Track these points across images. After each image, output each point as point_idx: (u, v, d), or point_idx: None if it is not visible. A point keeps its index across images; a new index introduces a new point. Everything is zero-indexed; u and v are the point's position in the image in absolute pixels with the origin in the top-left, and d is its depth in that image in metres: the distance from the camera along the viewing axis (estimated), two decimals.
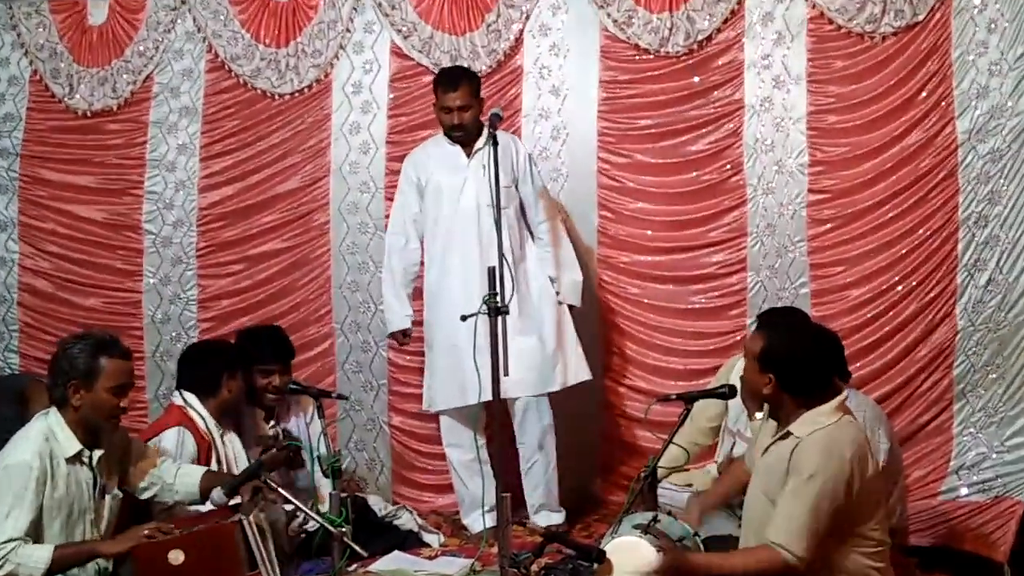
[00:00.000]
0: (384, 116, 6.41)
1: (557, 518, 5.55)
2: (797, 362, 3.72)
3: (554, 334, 5.51)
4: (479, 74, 6.13)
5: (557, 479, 5.55)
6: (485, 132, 5.47)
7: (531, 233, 5.63)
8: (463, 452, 5.57)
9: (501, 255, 4.83)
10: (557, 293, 5.56)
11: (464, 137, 5.54)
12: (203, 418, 4.88)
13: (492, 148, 5.00)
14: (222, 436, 4.91)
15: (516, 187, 5.57)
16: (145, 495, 4.46)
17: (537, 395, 5.46)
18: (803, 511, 3.60)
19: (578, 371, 5.57)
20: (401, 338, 5.73)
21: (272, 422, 5.33)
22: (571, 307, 5.60)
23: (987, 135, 5.67)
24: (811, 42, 5.91)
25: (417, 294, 5.77)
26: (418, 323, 5.74)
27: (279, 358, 5.33)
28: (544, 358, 5.46)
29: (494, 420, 5.20)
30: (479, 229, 5.44)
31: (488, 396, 4.66)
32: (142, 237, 6.66)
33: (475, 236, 5.44)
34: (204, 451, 4.78)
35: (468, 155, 5.56)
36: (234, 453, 4.91)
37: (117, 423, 4.25)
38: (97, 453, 4.19)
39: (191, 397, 4.92)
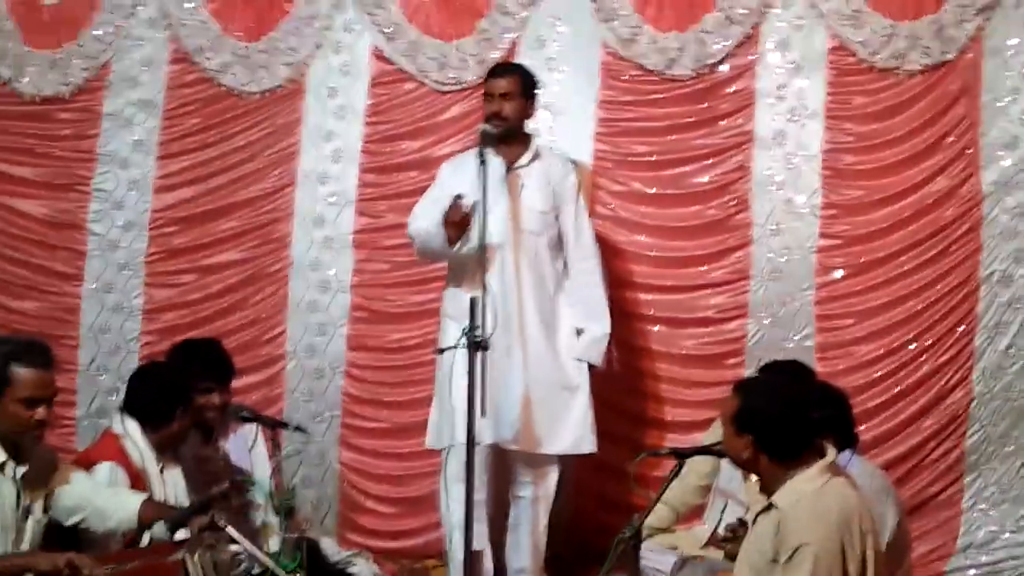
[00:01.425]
0: (360, 123, 6.31)
1: None
2: (775, 420, 3.71)
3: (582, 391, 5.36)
4: (467, 85, 6.12)
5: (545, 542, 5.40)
6: (532, 148, 5.39)
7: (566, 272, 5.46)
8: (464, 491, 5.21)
9: (484, 284, 4.84)
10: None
11: (503, 132, 5.28)
12: (140, 451, 4.64)
13: (481, 165, 4.99)
14: (162, 471, 4.69)
15: (557, 215, 5.38)
16: (71, 520, 4.25)
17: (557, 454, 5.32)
18: None
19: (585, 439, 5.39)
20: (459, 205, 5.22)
21: (214, 443, 5.16)
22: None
23: (1015, 188, 5.65)
24: (831, 75, 5.86)
25: (429, 314, 5.57)
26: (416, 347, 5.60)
27: (219, 375, 5.14)
28: (567, 413, 5.30)
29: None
30: (509, 255, 5.24)
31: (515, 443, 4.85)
32: (86, 238, 6.51)
33: (500, 263, 5.22)
34: (137, 490, 4.52)
35: (508, 170, 5.34)
36: (175, 491, 4.68)
37: (37, 438, 4.12)
38: (21, 469, 4.05)
39: (132, 425, 4.68)
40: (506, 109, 5.31)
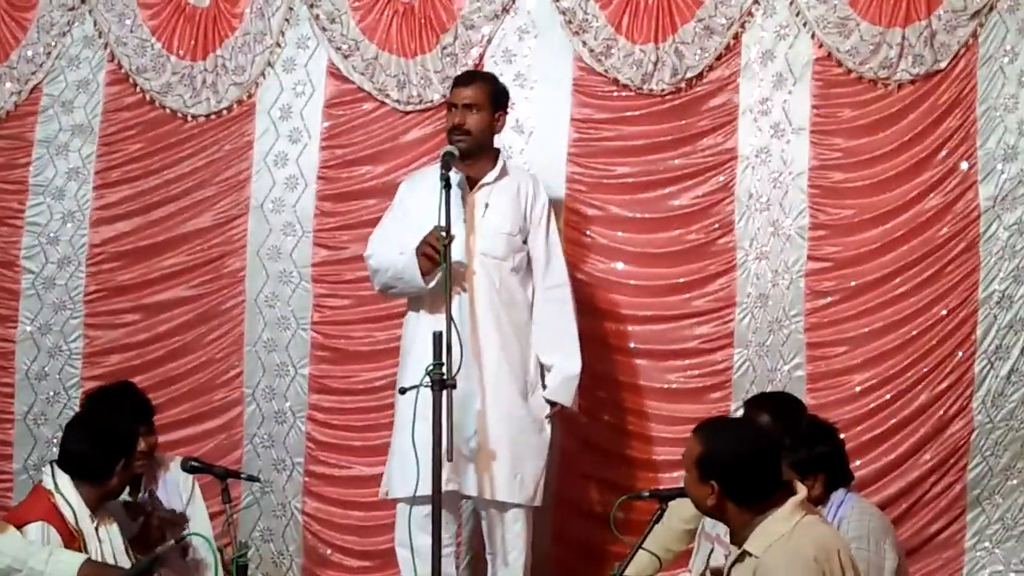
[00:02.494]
0: (316, 147, 6.42)
1: None
2: (741, 465, 3.82)
3: (544, 435, 5.37)
4: (430, 104, 6.23)
5: None
6: (499, 164, 5.43)
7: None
8: (411, 552, 5.18)
9: (449, 317, 4.90)
10: (544, 386, 5.38)
11: (467, 147, 5.31)
12: (73, 508, 4.70)
13: (445, 190, 5.04)
14: (97, 528, 4.75)
15: (526, 238, 5.43)
16: None
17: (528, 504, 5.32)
18: None
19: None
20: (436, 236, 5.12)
21: (142, 493, 5.25)
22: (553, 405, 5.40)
23: (1015, 203, 5.81)
24: (816, 87, 6.01)
25: (396, 352, 5.63)
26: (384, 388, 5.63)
27: (141, 418, 5.22)
28: (529, 458, 5.30)
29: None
30: (471, 282, 5.28)
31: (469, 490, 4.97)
32: (19, 276, 6.62)
33: (464, 290, 5.25)
34: (72, 550, 4.60)
35: (472, 188, 5.38)
36: (112, 549, 4.76)
37: None
38: None
39: (64, 480, 4.74)
40: (470, 122, 5.34)
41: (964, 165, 5.86)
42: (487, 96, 5.41)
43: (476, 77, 5.58)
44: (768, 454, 3.89)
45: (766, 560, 3.72)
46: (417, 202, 5.38)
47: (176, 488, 5.30)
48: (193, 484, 5.24)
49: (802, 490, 3.92)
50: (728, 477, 3.81)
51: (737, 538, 3.88)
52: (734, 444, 3.87)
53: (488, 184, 5.40)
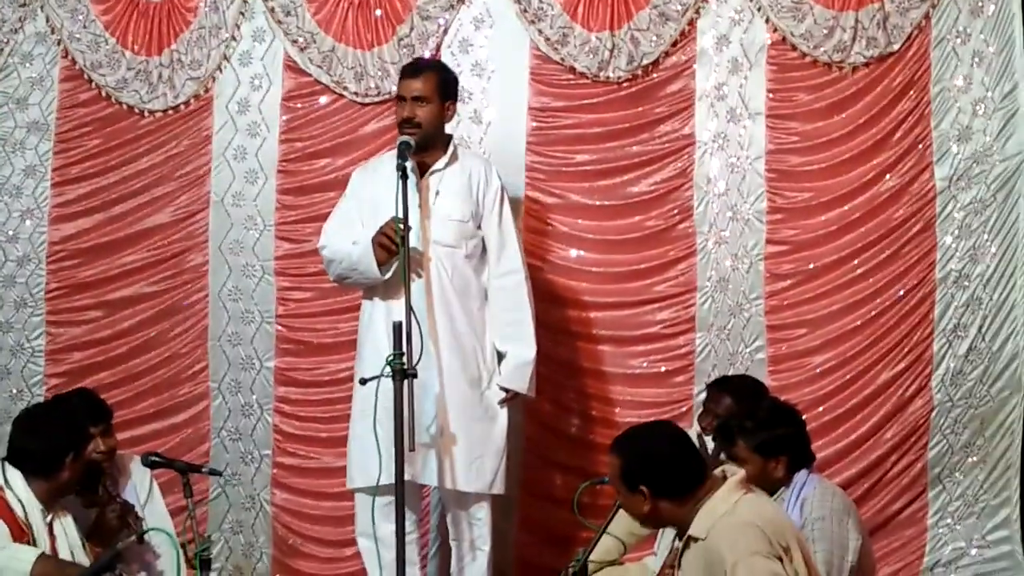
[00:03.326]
0: (275, 140, 6.47)
1: None
2: (662, 460, 3.89)
3: (501, 422, 5.40)
4: (388, 96, 6.28)
5: None
6: (449, 151, 5.44)
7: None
8: (373, 542, 5.28)
9: (409, 307, 4.93)
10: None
11: (419, 139, 5.30)
12: (23, 503, 4.71)
13: (402, 179, 5.06)
14: (51, 523, 4.77)
15: (480, 224, 5.42)
16: None
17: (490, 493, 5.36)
18: None
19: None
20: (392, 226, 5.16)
21: (102, 491, 5.23)
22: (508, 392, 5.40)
23: (969, 183, 5.94)
24: (771, 71, 6.12)
25: (343, 347, 5.68)
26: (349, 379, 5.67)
27: (96, 418, 5.22)
28: (485, 446, 5.33)
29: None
30: (427, 269, 5.31)
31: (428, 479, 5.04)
32: None
33: (420, 276, 5.27)
34: (22, 543, 4.62)
35: (423, 175, 5.40)
36: (67, 543, 4.78)
37: None
38: None
39: (15, 476, 4.75)
40: (419, 114, 5.34)
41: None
42: (435, 87, 5.42)
43: (423, 68, 5.54)
44: (681, 442, 3.97)
45: (712, 538, 3.77)
46: (372, 191, 5.42)
47: (134, 489, 5.32)
48: (151, 482, 5.27)
49: (740, 472, 3.99)
50: (653, 476, 3.87)
51: (681, 532, 3.93)
52: (647, 444, 3.95)
53: (438, 171, 5.42)
